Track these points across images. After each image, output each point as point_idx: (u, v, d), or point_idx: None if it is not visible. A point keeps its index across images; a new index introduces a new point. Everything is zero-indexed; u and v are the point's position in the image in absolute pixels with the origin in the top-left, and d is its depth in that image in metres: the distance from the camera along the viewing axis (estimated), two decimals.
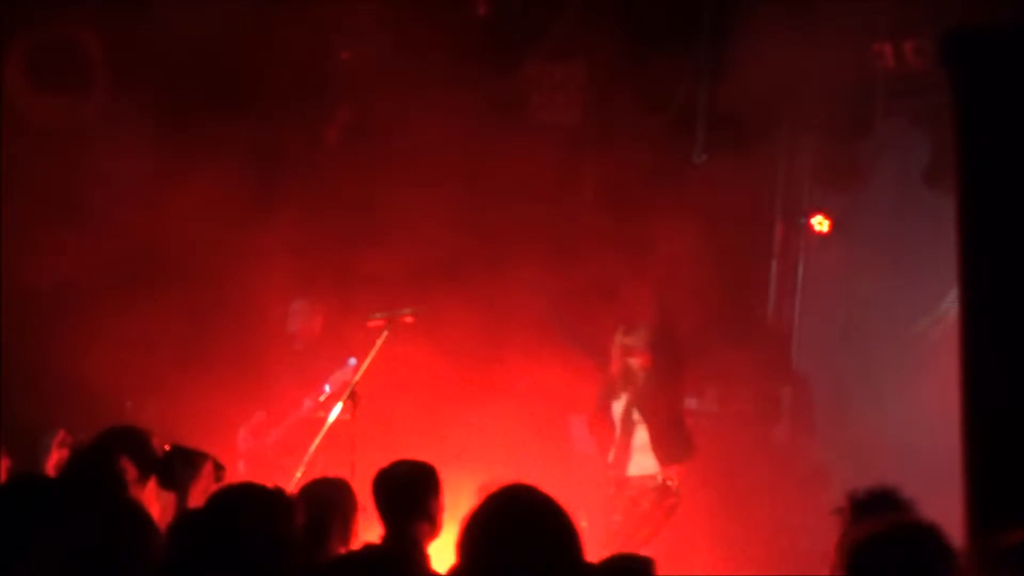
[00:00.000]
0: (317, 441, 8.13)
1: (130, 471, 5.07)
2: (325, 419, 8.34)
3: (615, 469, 8.77)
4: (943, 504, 4.84)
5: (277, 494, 4.20)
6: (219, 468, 5.14)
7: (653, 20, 9.77)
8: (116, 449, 5.15)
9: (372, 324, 8.59)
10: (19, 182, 9.87)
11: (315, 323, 9.56)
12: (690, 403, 9.93)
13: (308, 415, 8.67)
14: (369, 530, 5.34)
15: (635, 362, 8.78)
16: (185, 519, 4.21)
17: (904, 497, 4.37)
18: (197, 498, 4.88)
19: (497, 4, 9.67)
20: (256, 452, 9.11)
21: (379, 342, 8.32)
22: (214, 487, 4.97)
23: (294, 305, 9.61)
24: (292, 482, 7.52)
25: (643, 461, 8.66)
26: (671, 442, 8.72)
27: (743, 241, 10.25)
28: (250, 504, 4.02)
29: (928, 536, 3.33)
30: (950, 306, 9.62)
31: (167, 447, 5.14)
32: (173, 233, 10.16)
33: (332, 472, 6.21)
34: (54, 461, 6.34)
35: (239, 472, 8.69)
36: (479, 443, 9.27)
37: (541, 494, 3.09)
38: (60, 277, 10.51)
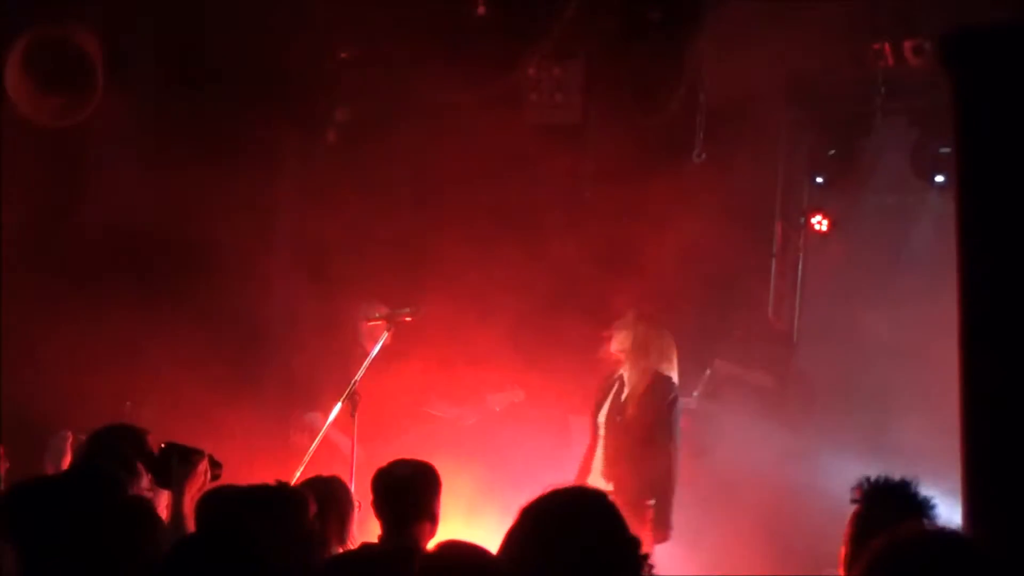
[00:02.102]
0: (317, 442, 8.13)
1: (128, 470, 5.08)
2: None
3: (594, 477, 8.12)
4: (944, 504, 4.84)
5: (279, 491, 4.21)
6: (215, 465, 5.13)
7: (652, 19, 9.77)
8: (114, 447, 5.15)
9: (372, 324, 8.60)
10: (20, 179, 9.88)
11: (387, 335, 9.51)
12: (689, 402, 9.93)
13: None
14: (368, 529, 5.34)
15: (618, 356, 8.17)
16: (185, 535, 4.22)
17: (914, 488, 4.37)
18: (193, 496, 4.88)
19: (496, 3, 9.66)
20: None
21: (380, 342, 8.33)
22: (210, 485, 4.98)
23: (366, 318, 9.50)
24: (291, 482, 7.51)
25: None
26: (623, 471, 7.93)
27: (743, 240, 10.25)
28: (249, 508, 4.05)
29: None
30: None
31: (162, 444, 5.13)
32: (174, 231, 10.17)
33: (331, 471, 6.19)
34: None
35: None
36: (478, 442, 9.28)
37: (600, 494, 3.10)
38: (61, 276, 10.54)
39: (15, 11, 9.47)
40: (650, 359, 8.14)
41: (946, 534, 3.07)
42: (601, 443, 8.16)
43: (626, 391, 8.13)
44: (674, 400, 8.16)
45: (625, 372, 8.22)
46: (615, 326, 8.21)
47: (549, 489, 3.11)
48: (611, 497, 7.50)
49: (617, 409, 8.06)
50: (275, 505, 4.19)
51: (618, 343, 8.15)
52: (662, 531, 7.96)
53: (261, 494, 4.26)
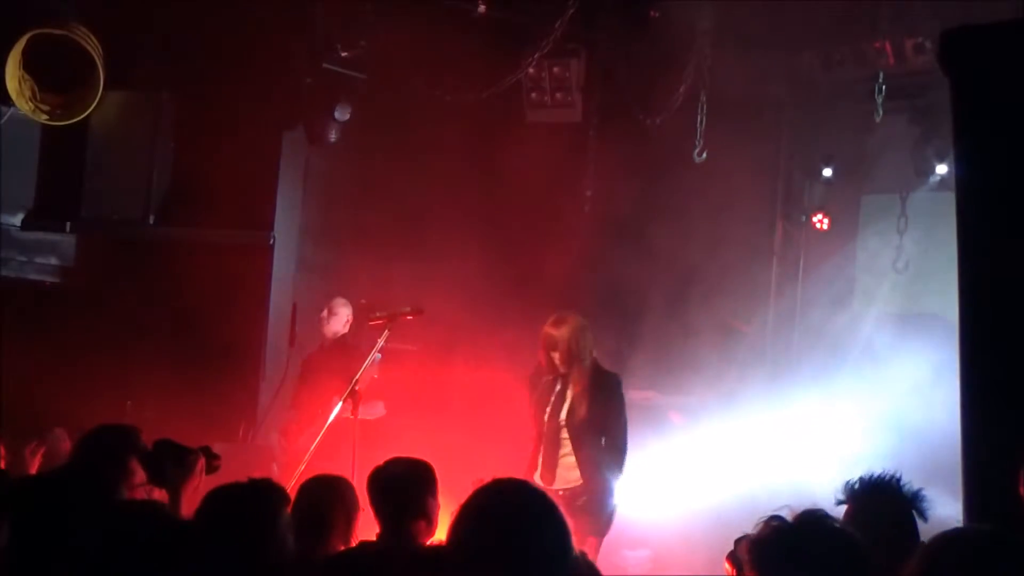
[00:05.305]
0: (317, 440, 8.13)
1: (121, 469, 5.07)
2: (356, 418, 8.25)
3: (544, 482, 7.77)
4: (947, 503, 4.84)
5: (265, 488, 4.22)
6: (212, 457, 5.11)
7: (652, 18, 9.77)
8: (105, 447, 5.14)
9: (373, 323, 8.59)
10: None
11: (348, 323, 9.48)
12: (689, 401, 9.93)
13: (339, 415, 8.43)
14: (367, 528, 5.33)
15: (555, 356, 7.78)
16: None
17: (902, 482, 4.37)
18: (190, 494, 4.87)
19: (496, 3, 9.66)
20: (291, 454, 8.93)
21: (380, 341, 8.32)
22: (207, 480, 4.97)
23: (329, 305, 9.48)
24: (292, 481, 7.52)
25: (569, 475, 7.78)
26: (585, 471, 7.72)
27: (744, 239, 10.24)
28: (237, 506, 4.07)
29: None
30: None
31: (156, 442, 5.11)
32: (171, 228, 10.18)
33: (332, 470, 6.18)
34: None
35: (273, 473, 8.66)
36: (477, 442, 9.27)
37: (533, 487, 3.14)
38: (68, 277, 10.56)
39: (15, 11, 9.48)
40: (585, 356, 7.85)
41: (993, 530, 3.18)
42: (564, 445, 7.85)
43: (571, 391, 7.86)
44: (620, 390, 7.94)
45: (568, 374, 7.89)
46: (545, 347, 7.85)
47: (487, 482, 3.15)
48: (575, 496, 7.53)
49: (569, 410, 7.81)
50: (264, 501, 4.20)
51: (560, 361, 7.82)
52: (604, 528, 7.81)
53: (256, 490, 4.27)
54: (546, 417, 7.89)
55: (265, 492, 4.23)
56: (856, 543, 3.28)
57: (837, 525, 3.33)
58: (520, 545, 2.95)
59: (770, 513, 3.47)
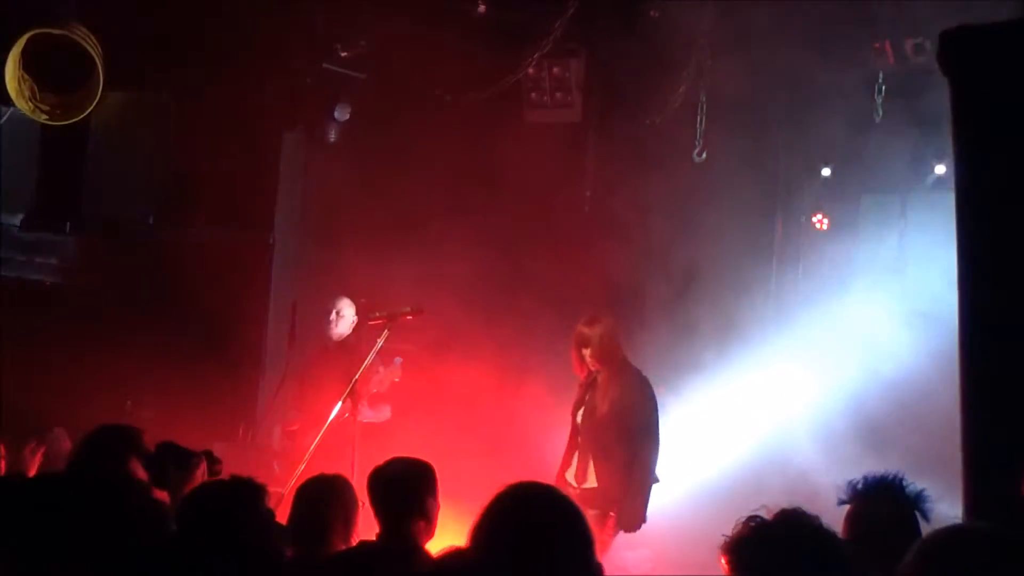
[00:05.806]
0: (316, 440, 8.14)
1: (132, 470, 5.07)
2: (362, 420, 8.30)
3: (576, 481, 7.97)
4: (950, 501, 4.84)
5: (242, 486, 4.23)
6: (214, 462, 5.11)
7: (652, 18, 9.76)
8: (115, 448, 5.14)
9: (373, 323, 8.61)
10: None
11: (353, 325, 9.48)
12: (688, 399, 9.94)
13: (343, 416, 8.45)
14: (367, 528, 5.34)
15: (587, 354, 7.95)
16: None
17: (905, 482, 4.37)
18: None
19: (496, 3, 9.67)
20: (293, 453, 8.94)
21: (380, 341, 8.34)
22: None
23: (333, 306, 9.47)
24: (292, 480, 7.53)
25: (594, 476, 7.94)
26: (610, 483, 7.83)
27: (743, 239, 10.24)
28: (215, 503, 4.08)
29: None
30: None
31: (158, 444, 5.11)
32: (171, 228, 10.17)
33: (333, 470, 6.19)
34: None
35: (274, 471, 8.68)
36: (477, 442, 9.28)
37: (559, 492, 3.13)
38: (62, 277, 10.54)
39: (15, 11, 9.47)
40: (615, 356, 8.01)
41: (990, 528, 3.17)
42: (581, 439, 8.04)
43: (598, 391, 7.99)
44: (646, 388, 8.03)
45: (598, 373, 8.06)
46: (577, 344, 8.00)
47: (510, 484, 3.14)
48: (584, 495, 7.54)
49: (591, 409, 7.96)
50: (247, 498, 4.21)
51: (591, 357, 7.97)
52: (631, 524, 7.86)
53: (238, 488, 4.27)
54: (579, 417, 8.03)
55: (242, 489, 4.23)
56: (835, 541, 3.26)
57: (815, 523, 3.31)
58: (543, 551, 2.94)
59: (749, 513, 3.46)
